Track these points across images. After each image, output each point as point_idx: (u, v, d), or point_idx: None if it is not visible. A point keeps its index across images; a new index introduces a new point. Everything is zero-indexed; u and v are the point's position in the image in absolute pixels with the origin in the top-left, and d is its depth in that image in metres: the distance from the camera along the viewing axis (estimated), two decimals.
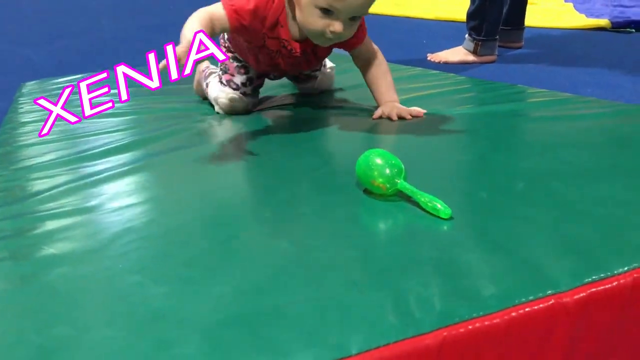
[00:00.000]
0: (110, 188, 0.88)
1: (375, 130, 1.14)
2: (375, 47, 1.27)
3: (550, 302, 0.53)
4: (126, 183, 0.90)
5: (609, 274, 0.55)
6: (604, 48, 2.34)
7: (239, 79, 1.34)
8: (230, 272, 0.60)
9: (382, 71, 1.26)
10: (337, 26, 1.09)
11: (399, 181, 0.75)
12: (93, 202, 0.82)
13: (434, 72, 1.67)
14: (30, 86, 1.91)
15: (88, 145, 1.13)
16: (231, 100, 1.31)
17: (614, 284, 0.55)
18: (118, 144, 1.10)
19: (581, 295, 0.54)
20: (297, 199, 0.81)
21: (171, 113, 1.33)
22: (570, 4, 2.84)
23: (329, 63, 1.49)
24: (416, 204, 0.73)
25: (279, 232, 0.70)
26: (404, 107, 1.20)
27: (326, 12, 1.08)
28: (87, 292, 0.59)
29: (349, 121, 1.21)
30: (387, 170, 0.76)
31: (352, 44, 1.23)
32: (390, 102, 1.21)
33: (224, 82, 1.35)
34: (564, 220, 0.66)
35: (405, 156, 0.78)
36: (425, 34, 2.75)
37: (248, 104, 1.33)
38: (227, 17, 1.14)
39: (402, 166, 0.77)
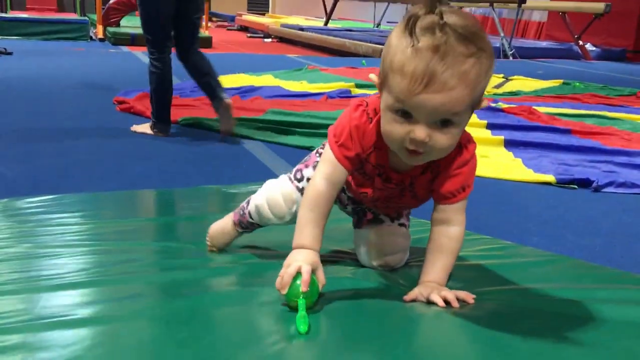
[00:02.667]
0: None
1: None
2: (462, 217, 1.06)
3: None
4: None
5: None
6: (549, 201, 2.52)
7: (311, 172, 1.17)
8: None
9: (449, 247, 1.03)
10: (417, 131, 0.89)
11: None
12: None
13: None
14: (0, 204, 1.95)
15: None
16: (284, 195, 1.20)
17: None
18: None
19: None
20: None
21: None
22: (520, 160, 3.08)
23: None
24: None
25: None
26: (448, 289, 0.99)
27: (404, 114, 0.91)
28: None
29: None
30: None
31: (445, 193, 1.04)
32: (431, 282, 1.01)
33: (290, 176, 1.23)
34: (490, 357, 0.74)
35: None
36: None
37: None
38: (340, 163, 1.04)
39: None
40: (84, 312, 1.01)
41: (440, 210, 1.05)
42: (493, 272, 1.12)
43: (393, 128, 0.93)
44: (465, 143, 1.03)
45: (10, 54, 6.37)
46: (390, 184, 1.08)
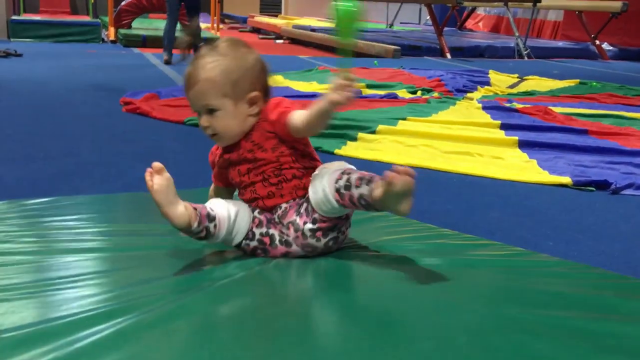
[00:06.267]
0: None
1: None
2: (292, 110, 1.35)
3: None
4: None
5: None
6: (565, 204, 2.43)
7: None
8: None
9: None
10: (201, 120, 1.33)
11: None
12: None
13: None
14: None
15: None
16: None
17: None
18: None
19: None
20: None
21: None
22: (534, 161, 2.98)
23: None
24: None
25: None
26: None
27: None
28: None
29: None
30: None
31: (277, 119, 1.33)
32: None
33: None
34: None
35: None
36: None
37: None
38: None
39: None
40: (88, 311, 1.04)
41: (292, 127, 1.33)
42: (500, 282, 1.04)
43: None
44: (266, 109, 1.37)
45: (20, 55, 6.36)
46: (238, 158, 1.37)
